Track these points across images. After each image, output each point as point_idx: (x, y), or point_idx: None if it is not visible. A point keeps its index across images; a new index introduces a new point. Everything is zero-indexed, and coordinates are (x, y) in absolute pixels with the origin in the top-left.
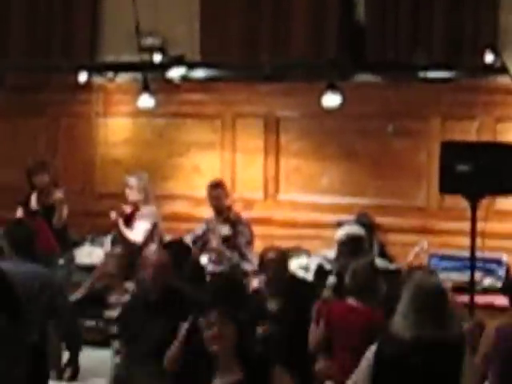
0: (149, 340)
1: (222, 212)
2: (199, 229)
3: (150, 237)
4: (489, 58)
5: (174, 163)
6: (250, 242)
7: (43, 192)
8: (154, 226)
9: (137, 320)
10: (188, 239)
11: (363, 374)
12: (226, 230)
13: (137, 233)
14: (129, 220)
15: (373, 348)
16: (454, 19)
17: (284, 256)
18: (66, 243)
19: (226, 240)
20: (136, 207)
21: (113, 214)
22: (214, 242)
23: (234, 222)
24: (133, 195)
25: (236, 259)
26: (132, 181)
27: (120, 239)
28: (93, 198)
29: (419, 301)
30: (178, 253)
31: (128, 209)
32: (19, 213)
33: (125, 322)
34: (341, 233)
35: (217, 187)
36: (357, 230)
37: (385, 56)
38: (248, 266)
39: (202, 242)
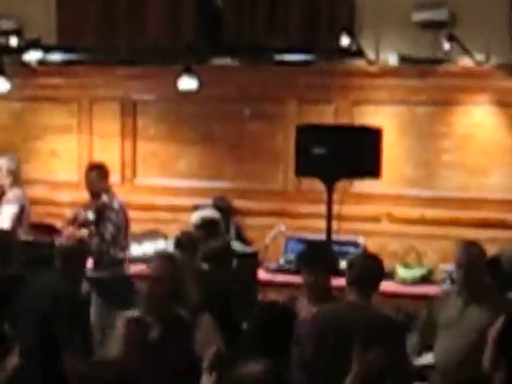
0: None
1: (94, 197)
2: (71, 212)
3: (17, 221)
4: (345, 41)
5: (31, 147)
6: (119, 229)
7: None
8: (22, 210)
9: None
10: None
11: None
12: (90, 215)
13: (3, 218)
14: None
15: None
16: (311, 2)
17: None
18: None
19: (86, 225)
20: (2, 192)
21: None
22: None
23: (101, 208)
24: (0, 178)
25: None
26: (1, 162)
27: None
28: None
29: None
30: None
31: None
32: None
33: None
34: (195, 216)
35: (90, 170)
36: (211, 213)
37: (241, 39)
38: (120, 254)
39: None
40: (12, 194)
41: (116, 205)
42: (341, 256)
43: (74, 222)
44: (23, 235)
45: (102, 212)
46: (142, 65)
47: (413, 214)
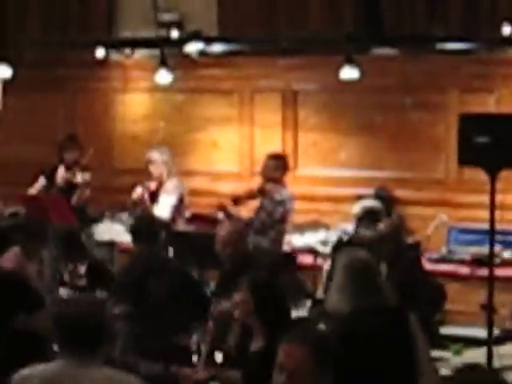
0: None
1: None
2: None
3: (176, 212)
4: (506, 30)
5: (192, 139)
6: (273, 220)
7: (70, 168)
8: (180, 200)
9: None
10: None
11: None
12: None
13: (162, 208)
14: (154, 196)
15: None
16: None
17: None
18: (84, 219)
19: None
20: (160, 183)
21: (138, 189)
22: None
23: (259, 194)
24: (156, 170)
25: None
26: (154, 155)
27: None
28: (111, 173)
29: (354, 273)
30: None
31: (152, 185)
32: (40, 183)
33: None
34: (357, 207)
35: (269, 159)
36: (373, 203)
37: (402, 29)
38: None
39: None
40: (171, 184)
41: (278, 197)
42: (504, 246)
43: (237, 201)
44: (182, 225)
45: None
46: (304, 55)
47: None
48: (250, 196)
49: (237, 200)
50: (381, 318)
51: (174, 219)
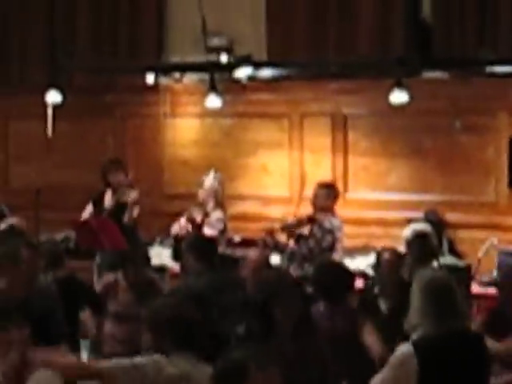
0: None
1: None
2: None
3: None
4: None
5: (241, 163)
6: (322, 249)
7: (117, 191)
8: (222, 232)
9: None
10: None
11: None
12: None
13: None
14: (198, 228)
15: (405, 350)
16: None
17: (399, 257)
18: (136, 242)
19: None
20: (205, 213)
21: (182, 221)
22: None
23: (308, 223)
24: (203, 195)
25: None
26: (207, 180)
27: None
28: (161, 198)
29: (435, 295)
30: None
31: (198, 217)
32: (89, 209)
33: None
34: (408, 231)
35: (320, 187)
36: (423, 227)
37: (451, 52)
38: None
39: None
40: (214, 216)
41: (328, 225)
42: None
43: (286, 228)
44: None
45: (309, 226)
46: (353, 79)
47: None
48: (300, 224)
49: (285, 228)
50: (463, 342)
51: None
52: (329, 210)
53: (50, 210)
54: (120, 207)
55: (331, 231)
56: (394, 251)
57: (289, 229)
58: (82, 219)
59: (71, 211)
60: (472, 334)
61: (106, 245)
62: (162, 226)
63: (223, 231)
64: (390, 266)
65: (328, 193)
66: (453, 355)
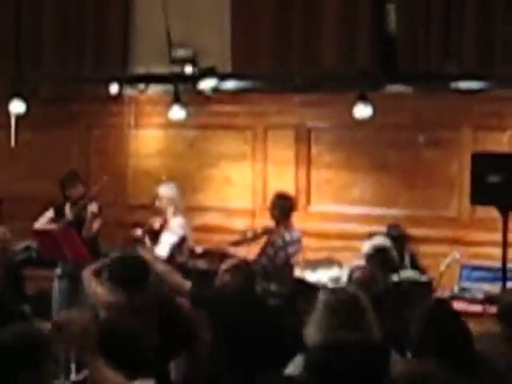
0: None
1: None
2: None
3: (177, 250)
4: None
5: (205, 175)
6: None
7: (77, 203)
8: (182, 240)
9: None
10: None
11: None
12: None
13: (162, 248)
14: (157, 235)
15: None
16: (485, 29)
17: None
18: (97, 254)
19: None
20: (165, 220)
21: (138, 232)
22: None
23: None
24: (162, 205)
25: None
26: (161, 190)
27: None
28: (124, 209)
29: (331, 308)
30: None
31: (157, 223)
32: (48, 215)
33: None
34: (367, 245)
35: (278, 198)
36: (383, 241)
37: (416, 66)
38: (270, 286)
39: None
40: (175, 222)
41: (279, 242)
42: None
43: (242, 240)
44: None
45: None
46: (317, 92)
47: None
48: (256, 237)
49: (243, 241)
50: (356, 352)
51: (172, 257)
52: (284, 222)
53: (12, 219)
54: (80, 220)
55: (283, 247)
56: (365, 270)
57: (246, 242)
58: (42, 227)
59: (34, 221)
60: (374, 346)
61: (68, 256)
62: (126, 237)
63: (184, 238)
64: (360, 284)
65: (283, 203)
66: (342, 363)
